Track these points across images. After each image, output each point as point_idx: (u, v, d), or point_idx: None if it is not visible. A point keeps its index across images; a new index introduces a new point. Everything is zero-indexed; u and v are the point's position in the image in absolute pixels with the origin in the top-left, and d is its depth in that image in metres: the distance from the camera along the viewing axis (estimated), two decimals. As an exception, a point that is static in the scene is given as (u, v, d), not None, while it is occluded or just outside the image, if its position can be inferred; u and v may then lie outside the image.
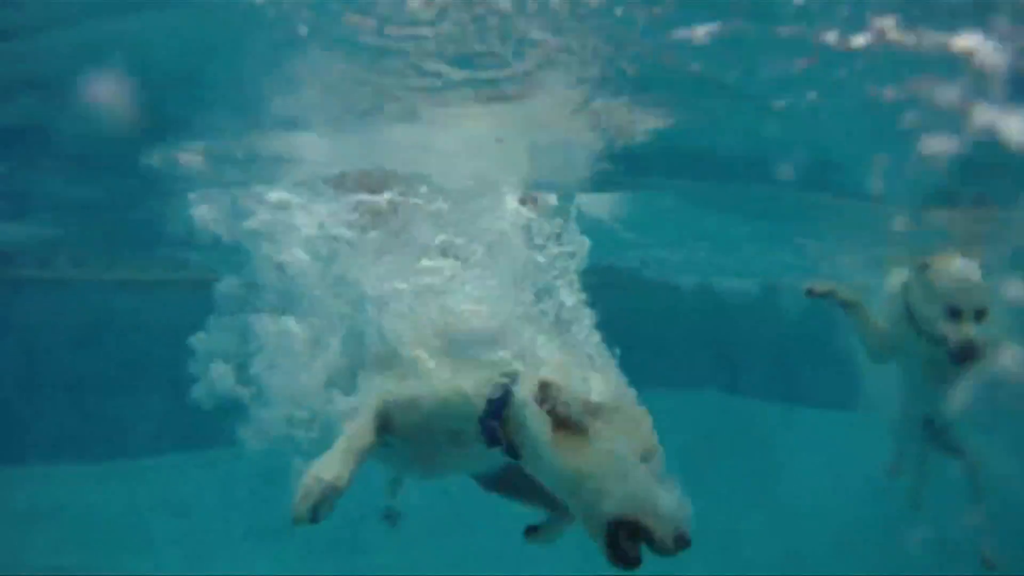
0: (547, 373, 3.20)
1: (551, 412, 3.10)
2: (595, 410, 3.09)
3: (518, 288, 3.89)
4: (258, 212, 4.62)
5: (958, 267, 5.25)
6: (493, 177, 5.24)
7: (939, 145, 4.50)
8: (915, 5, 3.34)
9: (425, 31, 3.58)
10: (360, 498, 3.43)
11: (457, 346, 3.64)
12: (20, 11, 3.64)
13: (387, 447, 3.56)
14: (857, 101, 4.27)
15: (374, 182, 5.06)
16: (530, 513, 3.81)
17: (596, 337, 3.59)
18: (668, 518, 2.93)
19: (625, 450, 3.02)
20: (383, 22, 3.52)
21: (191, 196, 5.14)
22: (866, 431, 7.89)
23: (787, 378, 13.95)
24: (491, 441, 3.30)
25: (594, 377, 3.20)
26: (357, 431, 3.38)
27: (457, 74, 4.03)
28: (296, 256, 4.41)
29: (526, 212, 4.39)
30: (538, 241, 4.06)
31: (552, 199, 4.90)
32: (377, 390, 3.63)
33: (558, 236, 4.08)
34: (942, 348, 5.20)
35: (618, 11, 3.39)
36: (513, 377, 3.30)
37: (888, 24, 3.41)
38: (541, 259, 3.97)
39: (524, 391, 3.20)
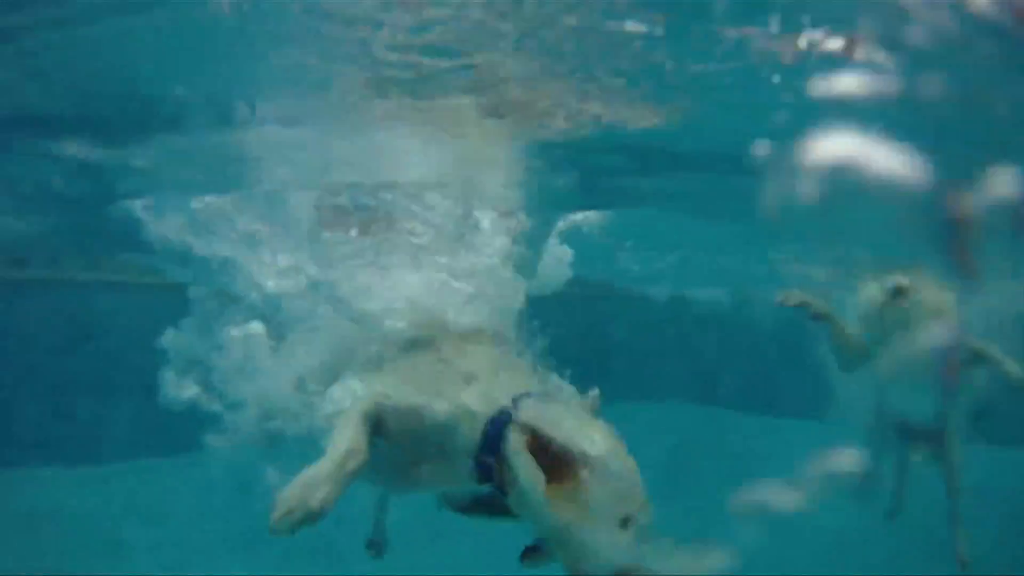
0: (538, 417, 3.10)
1: (542, 461, 3.01)
2: (589, 463, 2.98)
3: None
4: (228, 236, 4.59)
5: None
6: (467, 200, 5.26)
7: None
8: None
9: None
10: (339, 505, 3.29)
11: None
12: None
13: (372, 449, 3.39)
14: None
15: (349, 218, 5.07)
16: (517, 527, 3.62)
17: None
18: None
19: (616, 509, 2.95)
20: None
21: (142, 202, 5.12)
22: (839, 440, 7.96)
23: (763, 389, 14.03)
24: (483, 478, 3.23)
25: (589, 425, 3.12)
26: (351, 447, 3.16)
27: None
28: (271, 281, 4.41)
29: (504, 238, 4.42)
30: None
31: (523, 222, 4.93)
32: (369, 390, 3.51)
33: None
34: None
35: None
36: (508, 414, 3.18)
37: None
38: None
39: (516, 440, 3.08)
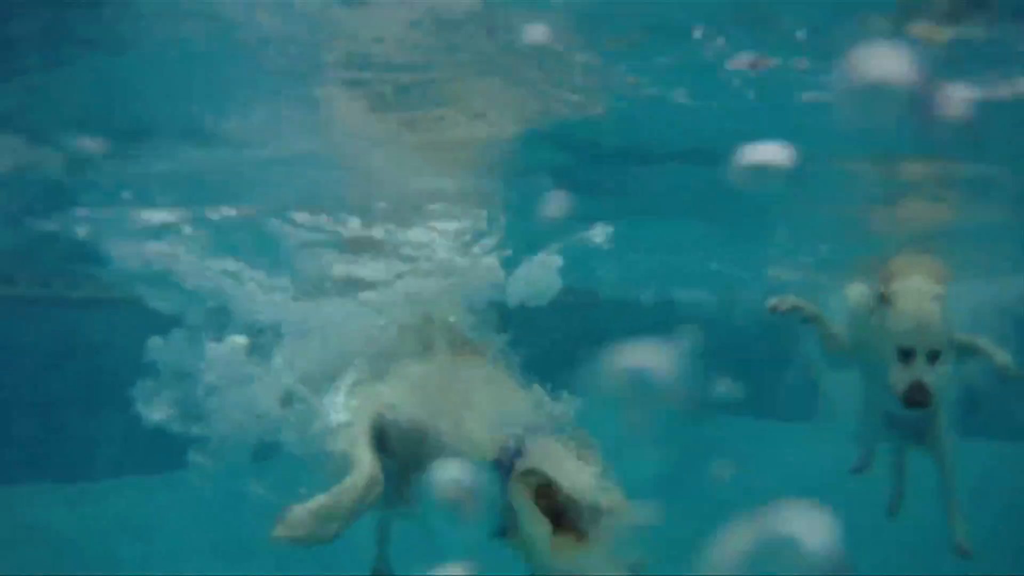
0: (542, 462, 3.07)
1: (548, 511, 2.98)
2: (595, 515, 2.97)
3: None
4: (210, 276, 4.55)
5: (914, 304, 5.29)
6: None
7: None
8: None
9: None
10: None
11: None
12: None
13: None
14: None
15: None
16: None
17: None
18: None
19: (620, 559, 2.94)
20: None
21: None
22: (829, 440, 7.99)
23: (752, 391, 14.03)
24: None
25: (593, 473, 3.09)
26: (371, 478, 3.08)
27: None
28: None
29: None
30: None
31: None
32: (369, 401, 3.45)
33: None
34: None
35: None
36: (512, 458, 3.14)
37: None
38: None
39: (521, 490, 3.05)
